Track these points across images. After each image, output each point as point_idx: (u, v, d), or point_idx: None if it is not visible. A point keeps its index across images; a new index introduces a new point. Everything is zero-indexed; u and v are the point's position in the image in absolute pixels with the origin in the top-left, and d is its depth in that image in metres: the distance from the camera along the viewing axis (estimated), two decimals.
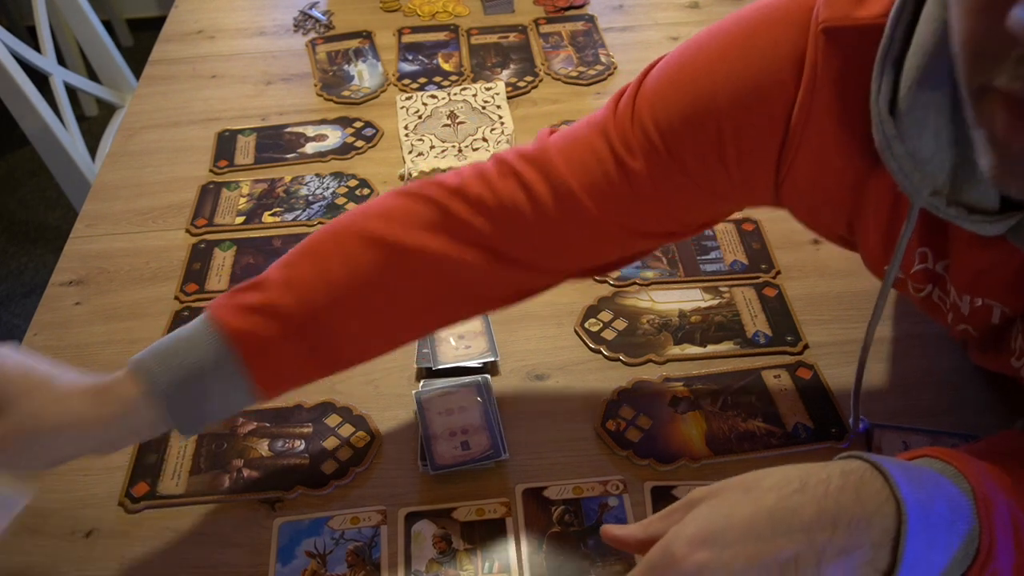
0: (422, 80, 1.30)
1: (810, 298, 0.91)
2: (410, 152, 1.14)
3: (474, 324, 0.89)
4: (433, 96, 1.25)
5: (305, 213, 1.06)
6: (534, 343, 0.88)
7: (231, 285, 0.96)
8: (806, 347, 0.86)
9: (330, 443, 0.79)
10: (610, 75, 1.30)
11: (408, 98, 1.24)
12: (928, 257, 0.62)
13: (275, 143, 1.18)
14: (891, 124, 0.52)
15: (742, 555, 0.47)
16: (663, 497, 0.72)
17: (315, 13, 1.47)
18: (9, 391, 0.59)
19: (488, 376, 0.83)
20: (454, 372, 0.84)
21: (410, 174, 1.10)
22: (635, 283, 0.94)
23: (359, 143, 1.18)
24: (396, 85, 1.29)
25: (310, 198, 1.08)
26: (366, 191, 1.09)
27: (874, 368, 0.83)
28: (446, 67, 1.33)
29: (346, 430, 0.80)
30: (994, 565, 0.48)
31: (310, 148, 1.17)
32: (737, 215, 1.03)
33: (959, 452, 0.53)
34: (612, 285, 0.94)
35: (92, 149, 1.58)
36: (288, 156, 1.16)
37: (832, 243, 0.71)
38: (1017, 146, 0.43)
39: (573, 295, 0.92)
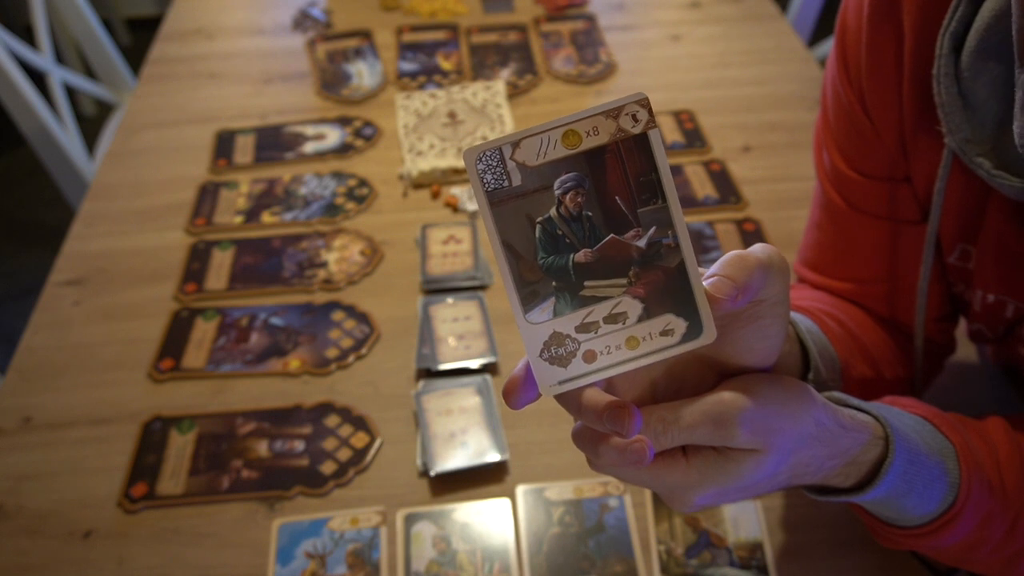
0: (422, 79, 1.30)
1: None
2: (409, 151, 1.14)
3: (474, 324, 0.88)
4: (433, 95, 1.24)
5: (304, 213, 1.06)
6: None
7: (230, 285, 0.96)
8: None
9: (330, 444, 0.79)
10: (610, 74, 1.30)
11: (408, 97, 1.24)
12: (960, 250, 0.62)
13: (274, 142, 1.18)
14: (951, 61, 0.53)
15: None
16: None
17: (314, 12, 1.47)
18: None
19: (488, 376, 0.83)
20: (454, 372, 0.84)
21: (410, 173, 1.09)
22: None
23: (358, 142, 1.17)
24: (395, 84, 1.29)
25: (309, 197, 1.08)
26: (365, 190, 1.09)
27: None
28: (446, 66, 1.33)
29: (346, 431, 0.80)
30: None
31: (309, 147, 1.17)
32: (738, 215, 1.02)
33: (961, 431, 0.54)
34: None
35: (90, 148, 1.58)
36: (287, 155, 1.16)
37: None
38: None
39: None
